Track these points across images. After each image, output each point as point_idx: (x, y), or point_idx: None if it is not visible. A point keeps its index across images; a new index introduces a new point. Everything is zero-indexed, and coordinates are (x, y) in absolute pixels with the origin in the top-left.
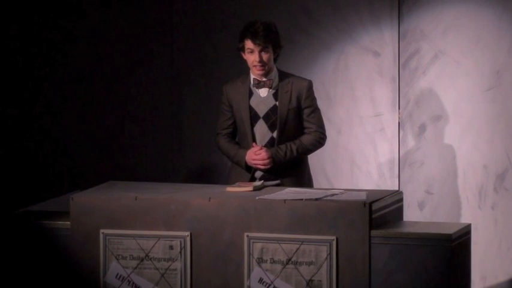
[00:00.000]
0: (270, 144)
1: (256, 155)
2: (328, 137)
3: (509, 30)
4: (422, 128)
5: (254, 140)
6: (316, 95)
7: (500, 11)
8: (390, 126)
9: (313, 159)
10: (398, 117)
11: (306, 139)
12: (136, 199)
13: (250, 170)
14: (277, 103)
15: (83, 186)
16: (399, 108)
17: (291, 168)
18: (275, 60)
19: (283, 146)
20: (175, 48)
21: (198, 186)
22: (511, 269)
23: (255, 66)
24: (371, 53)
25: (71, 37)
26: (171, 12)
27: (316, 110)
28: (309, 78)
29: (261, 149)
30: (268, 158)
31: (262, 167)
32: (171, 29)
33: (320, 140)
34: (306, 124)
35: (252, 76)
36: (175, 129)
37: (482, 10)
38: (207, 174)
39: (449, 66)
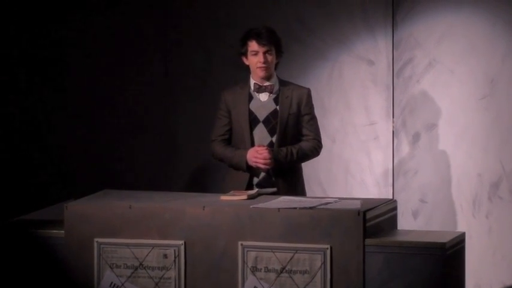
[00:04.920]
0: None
1: (259, 154)
2: (323, 145)
3: (503, 38)
4: (416, 137)
5: (253, 145)
6: None
7: (493, 20)
8: (384, 135)
9: (307, 167)
10: (393, 126)
11: (305, 145)
12: (130, 208)
13: (250, 170)
14: (277, 107)
15: (77, 194)
16: (393, 117)
17: (284, 178)
18: (275, 66)
19: (284, 148)
20: (169, 57)
21: (192, 194)
22: (505, 277)
23: (259, 67)
24: (365, 62)
25: (67, 45)
26: (166, 21)
27: (314, 118)
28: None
29: (264, 148)
30: (270, 158)
31: (263, 166)
32: (165, 38)
33: (317, 148)
34: (304, 131)
35: (253, 81)
36: (169, 138)
37: (475, 19)
38: (201, 183)
39: (443, 75)
